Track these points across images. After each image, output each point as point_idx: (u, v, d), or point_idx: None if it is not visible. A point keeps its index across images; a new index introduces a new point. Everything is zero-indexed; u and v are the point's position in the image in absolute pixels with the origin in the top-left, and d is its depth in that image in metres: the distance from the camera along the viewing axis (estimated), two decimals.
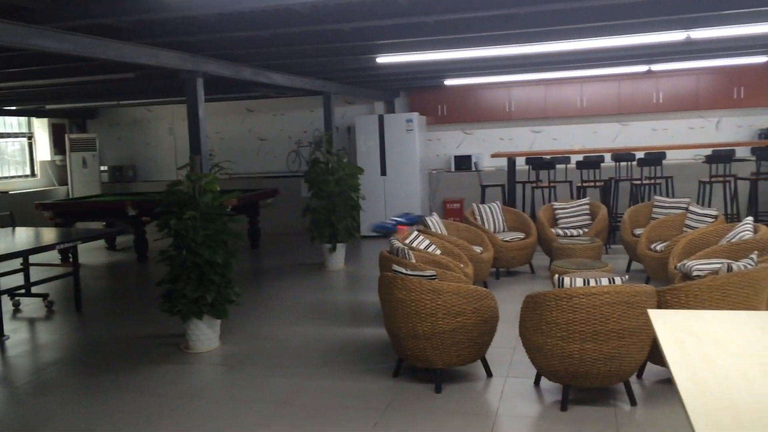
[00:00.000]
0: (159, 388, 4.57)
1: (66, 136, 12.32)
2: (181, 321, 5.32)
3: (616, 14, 5.04)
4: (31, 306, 7.13)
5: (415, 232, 6.23)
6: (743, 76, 9.92)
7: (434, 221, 7.00)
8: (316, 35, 5.71)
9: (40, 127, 12.48)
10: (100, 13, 4.19)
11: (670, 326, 2.72)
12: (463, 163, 11.16)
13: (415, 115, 10.60)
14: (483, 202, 9.70)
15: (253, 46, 5.91)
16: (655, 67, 9.07)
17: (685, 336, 2.58)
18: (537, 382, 4.30)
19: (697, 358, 2.34)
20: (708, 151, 9.32)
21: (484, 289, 4.30)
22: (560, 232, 7.69)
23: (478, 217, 7.76)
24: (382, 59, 6.90)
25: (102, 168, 12.85)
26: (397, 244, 5.40)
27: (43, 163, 12.49)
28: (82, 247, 7.04)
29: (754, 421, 1.80)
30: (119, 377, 4.83)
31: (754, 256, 4.17)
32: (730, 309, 3.93)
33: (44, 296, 7.00)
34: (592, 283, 3.90)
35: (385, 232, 3.88)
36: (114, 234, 7.61)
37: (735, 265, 4.04)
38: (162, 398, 4.39)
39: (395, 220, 3.78)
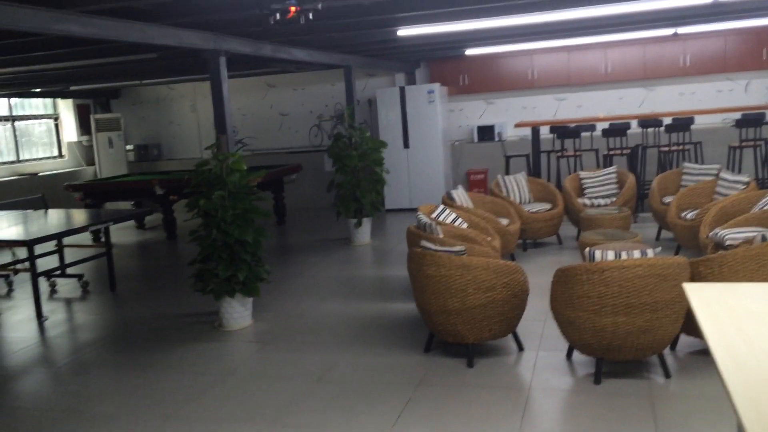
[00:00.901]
0: (195, 366, 4.67)
1: (91, 116, 12.44)
2: (213, 299, 5.41)
3: None
4: (67, 287, 7.30)
5: (442, 206, 6.23)
6: None
7: (459, 194, 6.99)
8: (337, 10, 5.66)
9: (65, 108, 12.60)
10: None
11: (706, 300, 2.70)
12: (486, 133, 11.08)
13: (436, 86, 10.51)
14: (507, 172, 9.64)
15: (272, 24, 5.87)
16: (682, 30, 8.85)
17: (720, 310, 2.56)
18: (569, 356, 4.32)
19: (733, 332, 2.33)
20: (737, 115, 9.13)
21: (514, 263, 4.30)
22: (587, 201, 7.63)
23: (504, 189, 7.73)
24: (403, 32, 6.83)
25: (128, 147, 12.98)
26: (425, 219, 5.40)
27: (70, 144, 12.64)
28: (112, 227, 7.19)
29: None
30: (156, 356, 4.94)
31: None
32: (766, 279, 3.90)
33: (79, 277, 7.16)
34: (624, 256, 3.88)
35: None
36: (144, 214, 7.71)
37: None
38: (199, 376, 4.49)
39: None
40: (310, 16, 4.05)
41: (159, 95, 13.11)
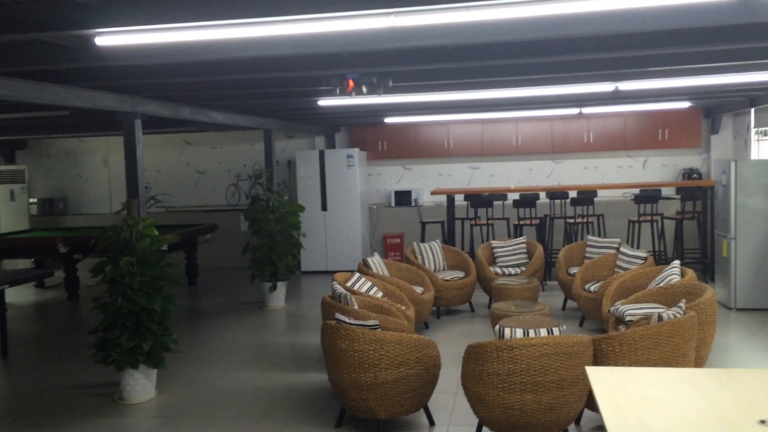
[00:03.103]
0: None
1: None
2: (115, 370, 5.15)
3: (552, 69, 5.26)
4: None
5: (357, 274, 6.25)
6: (667, 118, 10.46)
7: (375, 262, 7.04)
8: (259, 81, 5.72)
9: None
10: (37, 61, 4.09)
11: (607, 386, 2.82)
12: (403, 198, 11.29)
13: (355, 151, 10.68)
14: (423, 239, 9.83)
15: (192, 89, 5.86)
16: (586, 110, 9.46)
17: (621, 397, 2.68)
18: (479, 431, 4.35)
19: (633, 421, 2.43)
20: (636, 191, 9.74)
21: (427, 338, 4.35)
22: (499, 270, 7.85)
23: (419, 256, 7.85)
24: (324, 102, 6.95)
25: (31, 200, 12.36)
26: (340, 289, 5.40)
27: None
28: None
29: None
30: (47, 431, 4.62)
31: (682, 304, 4.37)
32: (662, 357, 4.10)
33: None
34: (532, 333, 3.99)
35: None
36: (44, 276, 7.32)
37: (665, 314, 4.22)
38: None
39: None
40: (364, 89, 4.16)
41: (69, 148, 12.65)
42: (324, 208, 10.77)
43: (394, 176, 11.72)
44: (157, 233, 5.25)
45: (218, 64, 4.79)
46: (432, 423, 4.52)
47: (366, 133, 11.38)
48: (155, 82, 5.34)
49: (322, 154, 10.72)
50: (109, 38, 3.56)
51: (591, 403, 4.20)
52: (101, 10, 3.19)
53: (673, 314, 4.23)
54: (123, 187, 11.58)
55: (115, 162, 12.41)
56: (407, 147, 11.30)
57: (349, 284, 6.00)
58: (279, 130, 9.64)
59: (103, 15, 3.19)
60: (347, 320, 4.39)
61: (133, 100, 5.81)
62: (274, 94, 6.50)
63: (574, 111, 9.54)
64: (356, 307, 5.18)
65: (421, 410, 4.65)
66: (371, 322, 4.35)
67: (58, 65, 4.13)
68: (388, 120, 10.22)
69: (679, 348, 4.13)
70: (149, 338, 5.07)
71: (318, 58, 4.73)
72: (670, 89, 7.18)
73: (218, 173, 12.17)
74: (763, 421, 2.38)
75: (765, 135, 9.29)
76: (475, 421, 4.46)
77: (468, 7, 3.12)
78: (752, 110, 9.39)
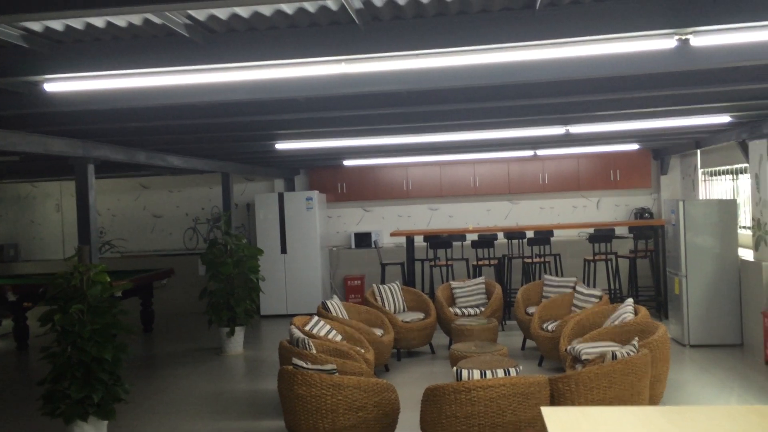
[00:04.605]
0: None
1: None
2: (63, 423, 4.95)
3: (504, 113, 5.40)
4: None
5: (316, 317, 6.20)
6: (618, 160, 10.77)
7: (335, 304, 7.00)
8: (216, 126, 5.72)
9: None
10: None
11: (562, 426, 2.83)
12: (363, 240, 11.30)
13: (315, 193, 10.69)
14: (383, 280, 9.81)
15: (147, 133, 5.83)
16: (540, 152, 9.69)
17: None
18: None
19: None
20: (591, 230, 9.95)
21: (385, 381, 4.31)
22: (458, 311, 7.87)
23: (379, 298, 7.83)
24: (282, 146, 6.98)
25: None
26: (298, 333, 5.34)
27: None
28: None
29: None
30: None
31: (635, 342, 4.44)
32: (617, 395, 4.15)
33: None
34: (489, 374, 4.00)
35: None
36: None
37: (619, 353, 4.28)
38: None
39: None
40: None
41: (20, 193, 12.36)
42: (284, 250, 10.70)
43: (354, 218, 11.75)
44: (109, 279, 5.14)
45: (173, 109, 4.78)
46: None
47: (325, 175, 11.42)
48: (108, 126, 5.30)
49: (281, 196, 10.70)
50: (58, 84, 3.53)
51: None
52: (50, 56, 3.18)
53: (627, 352, 4.29)
54: (77, 233, 11.34)
55: (69, 207, 12.15)
56: (366, 189, 11.36)
57: (307, 328, 5.94)
58: (237, 173, 9.62)
59: (52, 61, 3.17)
60: (304, 365, 4.33)
61: (85, 144, 5.74)
62: (231, 138, 6.50)
63: (529, 153, 9.76)
64: (314, 351, 5.12)
65: None
66: (329, 367, 4.30)
67: (8, 111, 4.07)
68: (347, 162, 10.29)
69: (634, 386, 4.19)
70: (99, 389, 4.91)
71: (274, 103, 4.77)
72: (617, 132, 7.43)
73: (175, 217, 12.02)
74: None
75: (712, 176, 9.64)
76: None
77: (417, 54, 3.20)
78: (698, 152, 9.75)
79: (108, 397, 4.98)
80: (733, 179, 8.89)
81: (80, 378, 4.88)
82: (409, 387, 6.28)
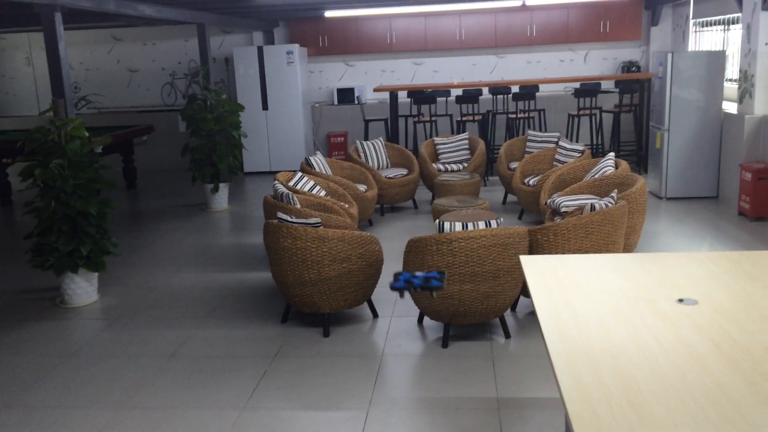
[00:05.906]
0: (36, 348, 4.39)
1: None
2: (54, 274, 5.08)
3: None
4: None
5: (300, 173, 6.20)
6: (609, 10, 10.39)
7: (318, 161, 6.99)
8: None
9: None
10: None
11: (539, 273, 2.93)
12: (346, 96, 11.08)
13: (295, 47, 10.32)
14: (366, 137, 9.76)
15: None
16: (529, 2, 9.30)
17: (551, 282, 2.80)
18: (420, 321, 4.52)
19: (561, 304, 2.56)
20: (577, 84, 9.80)
21: (369, 234, 4.40)
22: (441, 167, 7.92)
23: (362, 154, 7.82)
24: None
25: None
26: (282, 188, 5.36)
27: None
28: None
29: (606, 364, 2.02)
30: None
31: (614, 194, 4.52)
32: (594, 245, 4.28)
33: None
34: (470, 227, 4.09)
35: (400, 289, 3.85)
36: None
37: (597, 204, 4.37)
38: (40, 358, 4.22)
39: (412, 279, 3.75)
40: (434, 295, 4.00)
41: None
42: (265, 107, 10.50)
43: (336, 73, 11.44)
44: (87, 135, 5.04)
45: None
46: (375, 315, 4.66)
47: (306, 27, 10.96)
48: None
49: (260, 50, 10.32)
50: None
51: (525, 291, 4.39)
52: None
53: (605, 204, 4.38)
54: (49, 87, 10.99)
55: (40, 60, 11.69)
56: (349, 43, 10.97)
57: (291, 184, 5.96)
58: (214, 24, 9.18)
59: None
60: (289, 219, 4.39)
61: None
62: None
63: (518, 2, 9.36)
64: (299, 206, 5.17)
65: (365, 303, 4.79)
66: (313, 220, 4.36)
67: None
68: (328, 14, 9.84)
69: (610, 236, 4.31)
70: (87, 242, 4.98)
71: None
72: None
73: (152, 72, 11.63)
74: (681, 300, 2.53)
75: (703, 26, 9.38)
76: (416, 311, 4.63)
77: None
78: (691, 0, 9.41)
79: (96, 250, 5.07)
80: (724, 30, 8.67)
81: (67, 232, 4.93)
82: (393, 240, 6.45)
